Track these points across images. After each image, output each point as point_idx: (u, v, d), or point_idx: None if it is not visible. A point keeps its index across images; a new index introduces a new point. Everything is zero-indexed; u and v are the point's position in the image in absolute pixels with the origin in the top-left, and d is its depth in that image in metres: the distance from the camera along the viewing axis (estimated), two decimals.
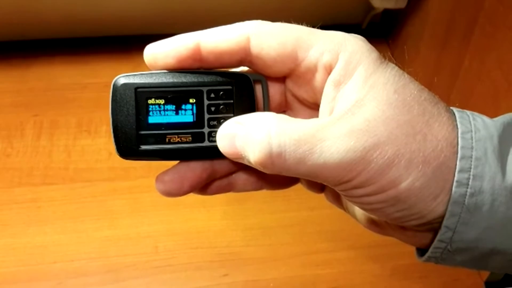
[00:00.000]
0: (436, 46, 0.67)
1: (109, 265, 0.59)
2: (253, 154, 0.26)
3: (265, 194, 0.66)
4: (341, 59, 0.27)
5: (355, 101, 0.26)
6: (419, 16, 0.72)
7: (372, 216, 0.32)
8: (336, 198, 0.35)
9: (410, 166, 0.25)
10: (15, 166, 0.68)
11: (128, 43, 0.81)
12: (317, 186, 0.35)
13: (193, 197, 0.67)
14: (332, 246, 0.62)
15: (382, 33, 0.84)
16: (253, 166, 0.27)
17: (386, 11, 0.80)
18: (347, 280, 0.60)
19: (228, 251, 0.61)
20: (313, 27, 0.29)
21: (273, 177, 0.33)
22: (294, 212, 0.64)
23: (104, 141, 0.71)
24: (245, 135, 0.27)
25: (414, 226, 0.28)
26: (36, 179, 0.66)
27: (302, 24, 0.29)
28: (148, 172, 0.67)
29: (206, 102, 0.29)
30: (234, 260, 0.60)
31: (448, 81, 0.63)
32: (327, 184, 0.27)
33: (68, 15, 0.79)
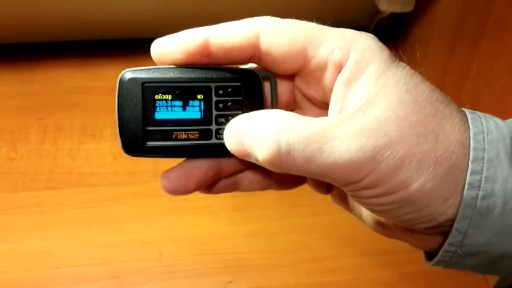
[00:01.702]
0: (443, 51, 0.67)
1: (113, 271, 0.59)
2: (261, 152, 0.26)
3: (270, 199, 0.66)
4: (352, 57, 0.27)
5: (366, 100, 0.26)
6: (426, 20, 0.72)
7: (381, 218, 0.31)
8: (343, 200, 0.34)
9: (421, 167, 0.25)
10: (19, 170, 0.67)
11: (134, 46, 0.81)
12: (324, 186, 0.34)
13: (197, 202, 0.67)
14: (337, 253, 0.61)
15: (389, 36, 0.83)
16: (260, 165, 0.27)
17: (393, 15, 0.80)
18: None
19: (233, 257, 0.60)
20: (324, 25, 0.28)
21: (280, 176, 0.33)
22: (300, 218, 0.64)
23: (108, 145, 0.70)
24: (253, 133, 0.27)
25: (423, 229, 0.28)
26: (40, 184, 0.66)
27: (312, 21, 0.28)
28: (152, 177, 0.67)
29: (214, 98, 0.29)
30: (239, 266, 0.60)
31: (455, 86, 0.62)
32: (336, 184, 0.26)
33: (73, 18, 0.79)
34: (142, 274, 0.59)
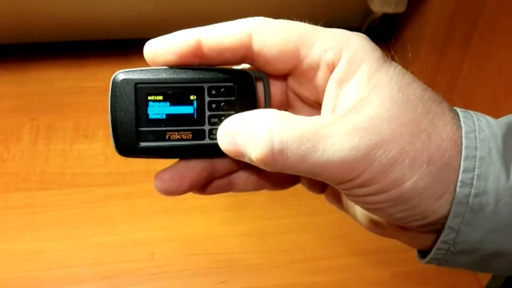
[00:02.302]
0: (435, 51, 0.67)
1: (105, 272, 0.59)
2: (255, 151, 0.26)
3: (263, 199, 0.66)
4: (344, 57, 0.27)
5: (358, 99, 0.26)
6: (418, 20, 0.72)
7: (374, 216, 0.31)
8: (337, 199, 0.34)
9: (414, 165, 0.25)
10: (11, 170, 0.67)
11: (127, 47, 0.81)
12: (318, 186, 0.34)
13: (190, 202, 0.67)
14: (331, 252, 0.61)
15: (381, 37, 0.83)
16: (254, 164, 0.27)
17: (385, 15, 0.80)
18: (346, 287, 0.59)
19: (226, 257, 0.60)
20: (316, 25, 0.28)
21: (274, 176, 0.33)
22: (293, 218, 0.64)
23: (101, 145, 0.70)
24: (246, 132, 0.27)
25: (417, 227, 0.28)
26: (32, 184, 0.66)
27: (304, 22, 0.28)
28: (145, 177, 0.67)
29: (207, 99, 0.29)
30: (232, 267, 0.60)
31: (447, 86, 0.62)
32: (329, 183, 0.27)
33: (66, 19, 0.79)
34: (135, 275, 0.58)
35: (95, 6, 0.77)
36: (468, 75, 0.58)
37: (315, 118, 0.26)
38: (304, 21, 0.28)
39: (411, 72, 0.28)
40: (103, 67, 0.81)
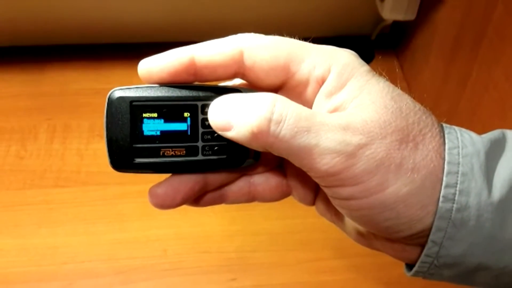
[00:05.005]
0: (444, 58, 0.68)
1: (118, 267, 0.60)
2: (252, 118, 0.26)
3: None
4: (334, 71, 0.28)
5: (353, 103, 0.27)
6: (428, 28, 0.73)
7: (362, 229, 0.32)
8: (327, 210, 0.35)
9: (399, 171, 0.26)
10: (28, 168, 0.69)
11: (141, 50, 0.82)
12: (309, 198, 0.35)
13: None
14: (338, 253, 0.62)
15: (392, 44, 0.84)
16: (239, 137, 0.27)
17: (396, 23, 0.81)
18: (353, 287, 0.60)
19: (236, 256, 0.61)
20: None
21: (264, 189, 0.34)
22: (301, 218, 0.65)
23: None
24: (247, 99, 0.27)
25: (403, 238, 0.28)
26: (49, 182, 0.67)
27: (294, 37, 0.29)
28: (158, 177, 0.67)
29: (200, 116, 0.29)
30: (242, 265, 0.61)
31: (456, 92, 0.63)
32: (314, 172, 0.27)
33: (82, 22, 0.80)
34: (147, 271, 0.60)
35: (110, 10, 0.79)
36: (477, 81, 0.59)
37: (313, 109, 0.27)
38: (295, 37, 0.29)
39: (402, 88, 0.29)
40: (117, 70, 0.82)
